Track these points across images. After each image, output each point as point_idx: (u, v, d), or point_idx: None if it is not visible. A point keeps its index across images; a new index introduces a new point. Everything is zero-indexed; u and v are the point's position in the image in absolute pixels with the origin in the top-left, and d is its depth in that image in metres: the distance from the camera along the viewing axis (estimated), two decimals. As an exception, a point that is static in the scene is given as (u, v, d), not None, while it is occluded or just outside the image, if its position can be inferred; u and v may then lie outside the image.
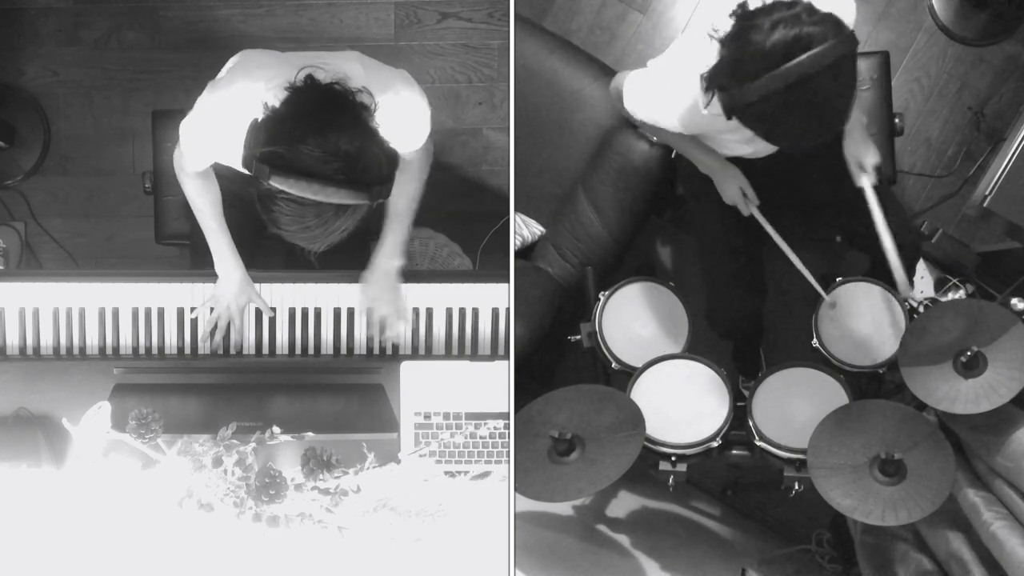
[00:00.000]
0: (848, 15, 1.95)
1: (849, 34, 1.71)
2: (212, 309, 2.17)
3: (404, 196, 2.15)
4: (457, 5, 3.01)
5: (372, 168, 1.64)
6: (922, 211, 2.99)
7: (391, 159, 1.69)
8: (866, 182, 2.22)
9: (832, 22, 1.69)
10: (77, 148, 2.99)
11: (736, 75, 1.71)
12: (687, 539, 2.70)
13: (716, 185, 2.29)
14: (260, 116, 1.67)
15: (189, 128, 1.95)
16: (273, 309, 2.20)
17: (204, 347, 2.19)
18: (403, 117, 1.84)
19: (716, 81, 1.75)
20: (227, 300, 2.17)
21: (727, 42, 1.73)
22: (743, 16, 1.72)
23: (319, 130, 1.61)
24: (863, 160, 2.22)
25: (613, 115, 2.63)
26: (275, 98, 1.68)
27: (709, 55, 1.77)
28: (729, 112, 1.76)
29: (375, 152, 1.66)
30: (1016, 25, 2.98)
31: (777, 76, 1.66)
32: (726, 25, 1.74)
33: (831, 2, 1.87)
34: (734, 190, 2.27)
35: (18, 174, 2.99)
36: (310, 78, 1.70)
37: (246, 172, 1.66)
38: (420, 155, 2.10)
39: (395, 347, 2.24)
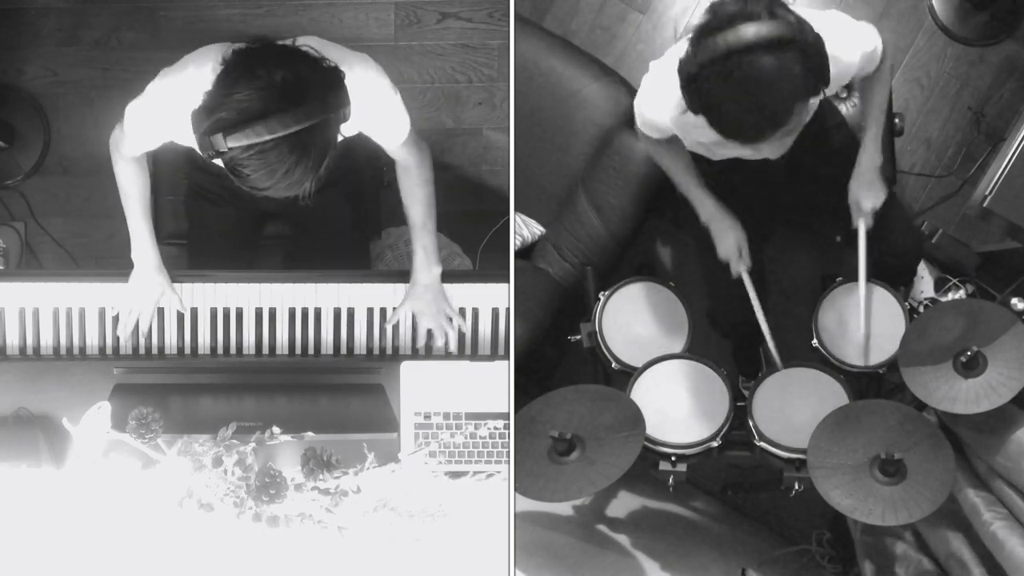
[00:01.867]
0: (868, 41, 1.96)
1: (807, 30, 1.72)
2: (128, 299, 2.17)
3: (417, 204, 2.14)
4: (457, 5, 3.01)
5: (312, 82, 1.64)
6: (922, 211, 2.98)
7: (333, 72, 1.69)
8: (861, 226, 2.22)
9: (789, 15, 1.71)
10: (77, 148, 2.99)
11: (688, 54, 1.75)
12: (687, 539, 2.69)
13: (713, 237, 2.25)
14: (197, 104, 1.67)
15: (135, 111, 1.95)
16: (194, 309, 2.19)
17: (126, 345, 2.18)
18: (365, 98, 1.82)
19: (680, 62, 1.77)
20: (142, 288, 2.16)
21: (693, 31, 1.76)
22: (710, 8, 1.76)
23: (246, 74, 1.61)
24: (861, 201, 2.20)
25: (613, 115, 2.62)
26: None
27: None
28: (683, 91, 1.77)
29: (311, 68, 1.66)
30: (1016, 25, 2.98)
31: (714, 40, 1.69)
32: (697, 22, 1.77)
33: (851, 31, 1.88)
34: (730, 244, 2.23)
35: (18, 174, 2.98)
36: (234, 50, 1.70)
37: (207, 155, 1.66)
38: (414, 156, 2.09)
39: (395, 347, 2.24)
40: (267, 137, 1.60)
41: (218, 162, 1.69)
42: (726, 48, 1.69)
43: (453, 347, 2.22)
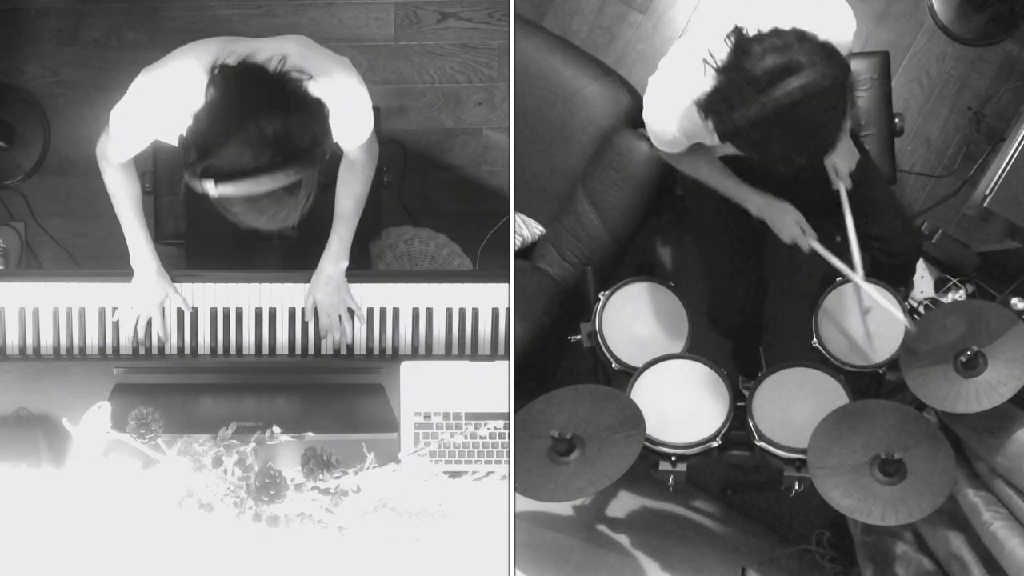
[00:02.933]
0: (847, 28, 1.95)
1: (840, 63, 1.71)
2: (133, 306, 2.17)
3: (350, 197, 2.15)
4: (457, 5, 3.01)
5: (304, 136, 1.64)
6: (922, 211, 2.99)
7: (318, 109, 1.69)
8: (841, 187, 2.24)
9: (822, 50, 1.70)
10: (77, 148, 2.99)
11: (727, 101, 1.72)
12: (687, 539, 2.69)
13: (772, 225, 2.25)
14: (184, 132, 1.66)
15: (120, 113, 1.94)
16: (194, 309, 2.19)
17: (126, 345, 2.18)
18: (339, 105, 1.82)
19: (710, 107, 1.76)
20: (145, 293, 2.16)
21: (722, 70, 1.74)
22: (737, 43, 1.73)
23: (239, 125, 1.61)
24: (837, 165, 2.23)
25: (613, 115, 2.62)
26: (204, 82, 1.67)
27: (705, 80, 1.78)
28: (721, 136, 1.77)
29: (300, 119, 1.65)
30: (1016, 25, 2.98)
31: (764, 102, 1.67)
32: (722, 51, 1.74)
33: (830, 16, 1.88)
34: (791, 226, 2.23)
35: (18, 174, 2.99)
36: (223, 67, 1.69)
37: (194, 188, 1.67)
38: (364, 154, 2.09)
39: (395, 347, 2.24)
40: (256, 191, 1.62)
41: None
42: (776, 108, 1.67)
43: (349, 341, 2.21)
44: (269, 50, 1.75)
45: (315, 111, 1.69)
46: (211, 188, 1.62)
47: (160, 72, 1.87)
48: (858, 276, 2.22)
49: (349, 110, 1.89)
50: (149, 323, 2.18)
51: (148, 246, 2.15)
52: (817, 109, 1.68)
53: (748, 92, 1.69)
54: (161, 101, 1.83)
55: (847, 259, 2.24)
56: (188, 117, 1.66)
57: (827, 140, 1.74)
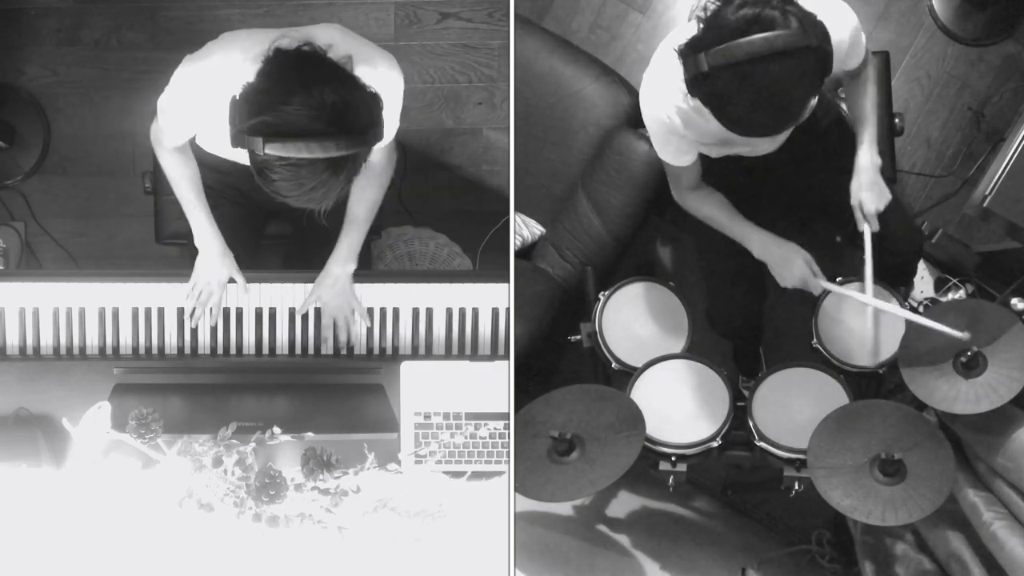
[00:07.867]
0: (845, 24, 1.95)
1: (819, 31, 1.70)
2: (195, 285, 2.18)
3: (363, 202, 2.15)
4: (457, 5, 3.01)
5: (361, 113, 1.66)
6: (922, 211, 2.99)
7: (376, 100, 1.71)
8: (866, 231, 2.18)
9: (801, 16, 1.69)
10: (77, 148, 2.99)
11: (697, 44, 1.72)
12: (687, 539, 2.69)
13: (774, 268, 2.18)
14: (238, 93, 1.67)
15: (166, 102, 1.96)
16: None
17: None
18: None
19: (683, 52, 1.76)
20: (208, 273, 2.17)
21: (702, 19, 1.75)
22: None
23: (302, 87, 1.62)
24: (864, 205, 2.17)
25: (613, 115, 2.62)
26: (251, 71, 1.68)
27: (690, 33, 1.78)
28: (688, 84, 1.76)
29: (360, 97, 1.68)
30: (1016, 25, 2.98)
31: (728, 49, 1.67)
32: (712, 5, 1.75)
33: (828, 10, 1.88)
34: (800, 269, 2.16)
35: (18, 174, 2.99)
36: (278, 50, 1.71)
37: (234, 149, 1.67)
38: (383, 158, 2.10)
39: (395, 347, 2.24)
40: (306, 155, 1.62)
41: (238, 158, 1.69)
42: (742, 57, 1.67)
43: (353, 342, 2.21)
44: (316, 38, 1.78)
45: (374, 97, 1.71)
46: (259, 146, 1.61)
47: (204, 64, 1.89)
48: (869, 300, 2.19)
49: (387, 104, 1.90)
50: (200, 300, 2.18)
51: (210, 227, 2.15)
52: (784, 69, 1.67)
53: (716, 38, 1.69)
54: (204, 92, 1.84)
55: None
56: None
57: (791, 105, 1.72)
